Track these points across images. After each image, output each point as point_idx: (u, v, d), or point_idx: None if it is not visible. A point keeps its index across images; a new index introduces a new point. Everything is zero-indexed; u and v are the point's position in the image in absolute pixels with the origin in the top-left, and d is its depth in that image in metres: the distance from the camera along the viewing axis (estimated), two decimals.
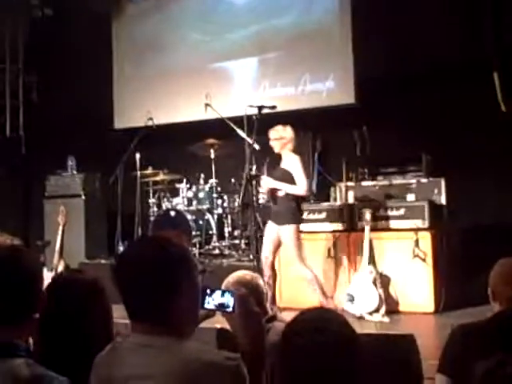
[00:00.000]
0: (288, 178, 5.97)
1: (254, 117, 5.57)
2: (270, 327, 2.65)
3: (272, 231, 6.03)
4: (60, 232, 7.46)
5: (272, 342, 2.10)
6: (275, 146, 6.10)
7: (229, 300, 1.94)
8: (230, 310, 1.95)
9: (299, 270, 5.91)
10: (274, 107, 5.87)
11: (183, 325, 1.78)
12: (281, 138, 6.04)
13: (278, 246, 6.03)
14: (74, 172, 8.20)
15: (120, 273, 1.80)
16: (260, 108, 5.70)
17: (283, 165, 6.12)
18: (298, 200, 6.02)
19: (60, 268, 7.48)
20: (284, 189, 5.94)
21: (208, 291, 1.97)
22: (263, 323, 2.22)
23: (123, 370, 1.74)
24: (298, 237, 5.93)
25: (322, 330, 1.55)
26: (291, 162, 6.04)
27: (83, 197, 8.06)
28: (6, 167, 8.86)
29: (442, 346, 2.59)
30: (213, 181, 7.54)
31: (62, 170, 8.21)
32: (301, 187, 5.94)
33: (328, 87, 8.23)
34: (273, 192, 6.07)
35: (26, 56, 9.61)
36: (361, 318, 5.94)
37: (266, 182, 6.08)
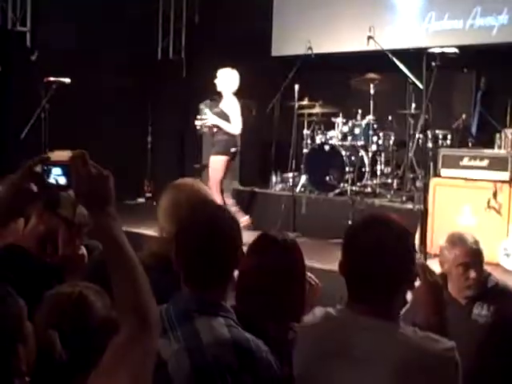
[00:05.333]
0: (224, 118, 6.79)
1: (434, 63, 5.29)
2: None
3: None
4: None
5: None
6: (217, 84, 6.90)
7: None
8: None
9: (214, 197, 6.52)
10: (455, 53, 5.54)
11: (399, 310, 1.80)
12: (223, 78, 6.86)
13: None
14: None
15: (355, 255, 1.84)
16: (442, 54, 5.40)
17: (222, 105, 6.91)
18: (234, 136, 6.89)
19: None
20: (221, 125, 6.76)
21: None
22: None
23: (341, 346, 1.80)
24: (223, 168, 6.78)
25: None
26: (230, 104, 6.84)
27: None
28: (168, 90, 9.17)
29: None
30: (370, 117, 7.38)
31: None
32: (235, 127, 6.80)
33: (501, 22, 7.67)
34: (211, 127, 6.86)
35: None
36: None
37: (210, 118, 6.82)
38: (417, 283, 1.99)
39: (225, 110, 6.85)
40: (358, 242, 1.84)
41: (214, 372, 1.80)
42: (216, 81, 6.93)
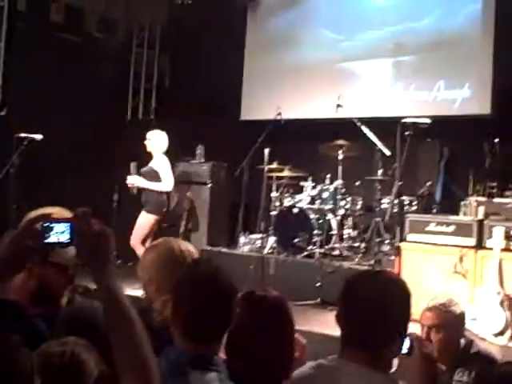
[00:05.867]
0: (154, 176, 6.91)
1: (407, 133, 5.49)
2: None
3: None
4: (185, 217, 7.73)
5: None
6: (147, 145, 7.07)
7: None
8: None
9: (135, 249, 6.75)
10: (426, 124, 5.78)
11: (389, 363, 1.82)
12: (153, 139, 7.04)
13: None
14: (202, 160, 8.39)
15: (352, 302, 1.87)
16: (414, 124, 5.63)
17: (152, 164, 7.04)
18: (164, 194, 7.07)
19: None
20: (150, 187, 6.88)
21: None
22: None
23: None
24: (150, 226, 6.91)
25: None
26: (160, 163, 6.99)
27: (209, 185, 8.22)
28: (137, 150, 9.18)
29: None
30: (338, 182, 7.50)
31: (190, 158, 8.43)
32: (166, 184, 6.95)
33: (463, 96, 8.02)
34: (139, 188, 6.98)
35: (161, 42, 9.90)
36: (483, 339, 5.78)
37: (135, 180, 6.92)
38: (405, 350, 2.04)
39: (155, 168, 6.99)
40: (356, 291, 1.90)
41: None
42: (146, 142, 7.10)
